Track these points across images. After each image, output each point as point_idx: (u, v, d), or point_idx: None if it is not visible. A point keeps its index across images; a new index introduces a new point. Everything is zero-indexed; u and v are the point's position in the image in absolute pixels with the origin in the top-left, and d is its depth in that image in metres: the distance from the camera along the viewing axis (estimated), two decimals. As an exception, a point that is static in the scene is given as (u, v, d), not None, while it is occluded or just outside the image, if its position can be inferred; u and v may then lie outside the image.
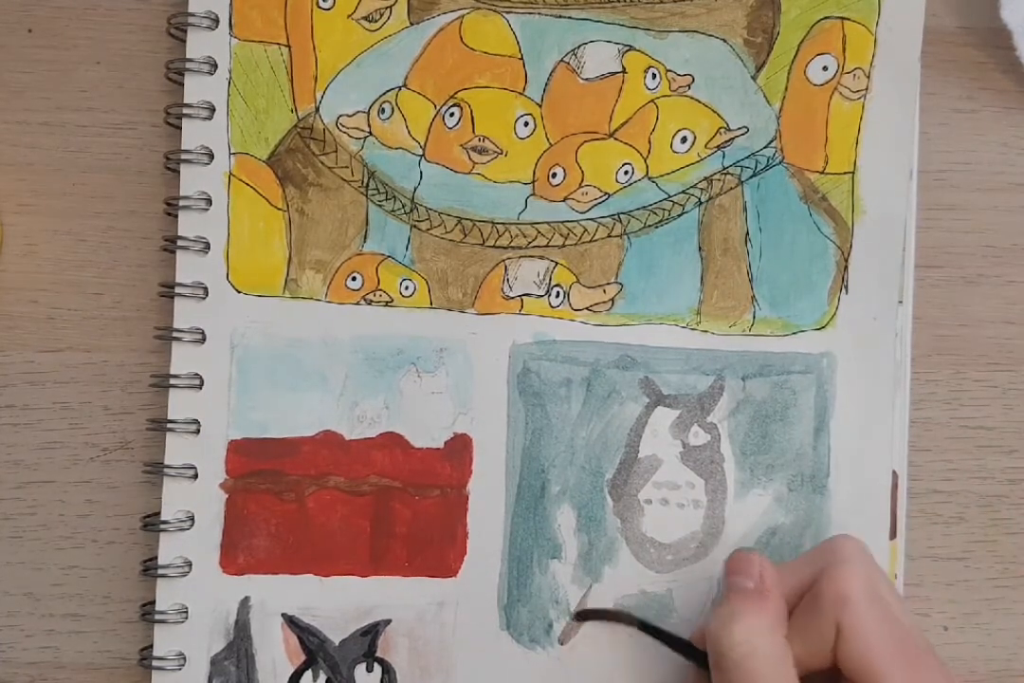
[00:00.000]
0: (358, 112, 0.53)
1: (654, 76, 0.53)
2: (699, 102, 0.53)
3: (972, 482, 0.55)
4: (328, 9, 0.53)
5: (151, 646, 0.52)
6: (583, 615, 0.53)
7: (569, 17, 0.53)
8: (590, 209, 0.53)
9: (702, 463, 0.53)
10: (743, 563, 0.47)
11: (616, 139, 0.53)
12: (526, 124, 0.53)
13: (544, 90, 0.53)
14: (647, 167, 0.53)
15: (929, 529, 0.55)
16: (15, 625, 0.53)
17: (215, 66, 0.52)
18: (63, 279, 0.54)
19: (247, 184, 0.53)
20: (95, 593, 0.53)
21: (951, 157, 0.55)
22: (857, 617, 0.44)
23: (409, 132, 0.53)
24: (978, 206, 0.55)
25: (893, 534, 0.53)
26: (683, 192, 0.53)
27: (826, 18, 0.53)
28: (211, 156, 0.52)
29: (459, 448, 0.53)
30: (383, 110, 0.53)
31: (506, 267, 0.53)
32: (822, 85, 0.53)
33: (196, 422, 0.52)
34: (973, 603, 0.55)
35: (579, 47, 0.53)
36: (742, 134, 0.53)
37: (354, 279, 0.53)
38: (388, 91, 0.53)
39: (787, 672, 0.44)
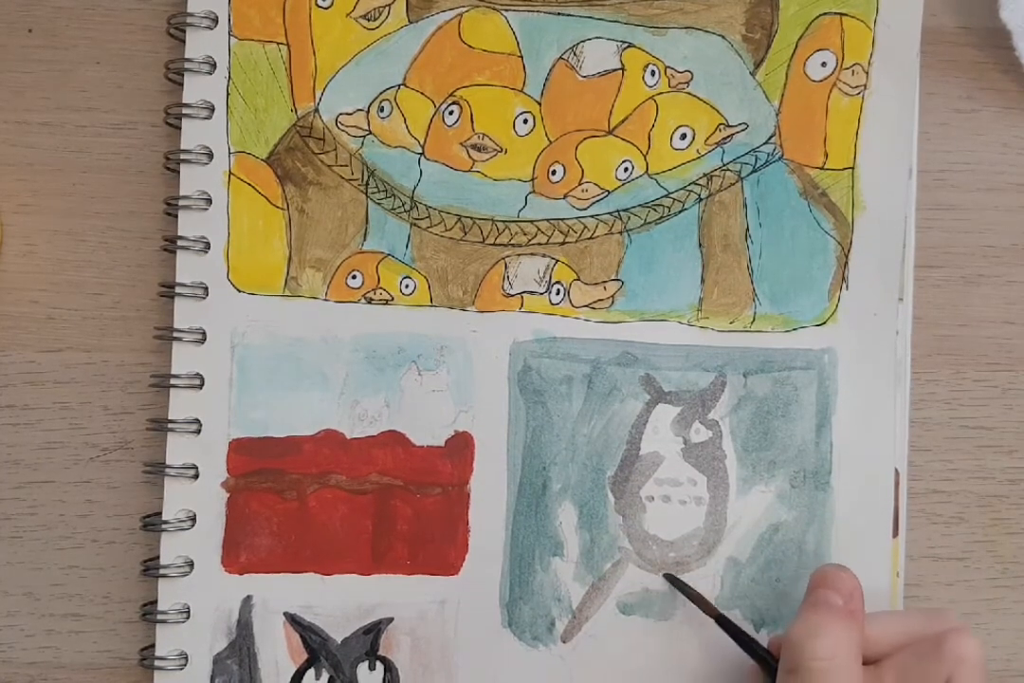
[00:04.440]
0: (357, 110, 0.53)
1: (653, 73, 0.53)
2: (698, 98, 0.53)
3: (972, 482, 0.55)
4: (327, 8, 0.53)
5: (151, 646, 0.52)
6: (672, 579, 0.53)
7: (568, 14, 0.53)
8: (590, 206, 0.53)
9: (704, 460, 0.53)
10: (833, 579, 0.48)
11: (615, 136, 0.53)
12: (525, 121, 0.53)
13: (543, 87, 0.53)
14: (647, 164, 0.53)
15: (929, 529, 0.55)
16: (15, 625, 0.53)
17: (214, 65, 0.52)
18: (63, 279, 0.54)
19: (247, 183, 0.53)
20: (95, 593, 0.53)
21: (951, 157, 0.55)
22: (969, 679, 0.46)
23: (408, 130, 0.53)
24: (978, 206, 0.55)
25: (896, 532, 0.53)
26: (683, 189, 0.53)
27: (824, 14, 0.53)
28: (210, 156, 0.53)
29: (460, 446, 0.53)
30: (382, 108, 0.53)
31: (506, 265, 0.53)
32: (821, 81, 0.53)
33: (197, 421, 0.52)
34: (973, 603, 0.55)
35: (578, 44, 0.53)
36: (741, 130, 0.53)
37: (354, 277, 0.53)
38: (387, 89, 0.53)
39: None
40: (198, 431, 0.52)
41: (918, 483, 0.55)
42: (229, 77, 0.53)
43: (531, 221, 0.53)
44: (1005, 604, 0.55)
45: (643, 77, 0.53)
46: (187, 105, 0.52)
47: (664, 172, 0.53)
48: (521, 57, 0.53)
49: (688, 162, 0.53)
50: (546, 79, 0.53)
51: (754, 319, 0.53)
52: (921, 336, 0.55)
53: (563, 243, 0.53)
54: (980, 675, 0.46)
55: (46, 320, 0.54)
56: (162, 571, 0.52)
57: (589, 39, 0.53)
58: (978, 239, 0.55)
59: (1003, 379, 0.55)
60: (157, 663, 0.52)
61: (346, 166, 0.53)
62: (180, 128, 0.53)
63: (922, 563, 0.55)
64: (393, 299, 0.53)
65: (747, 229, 0.53)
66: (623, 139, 0.53)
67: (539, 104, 0.53)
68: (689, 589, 0.52)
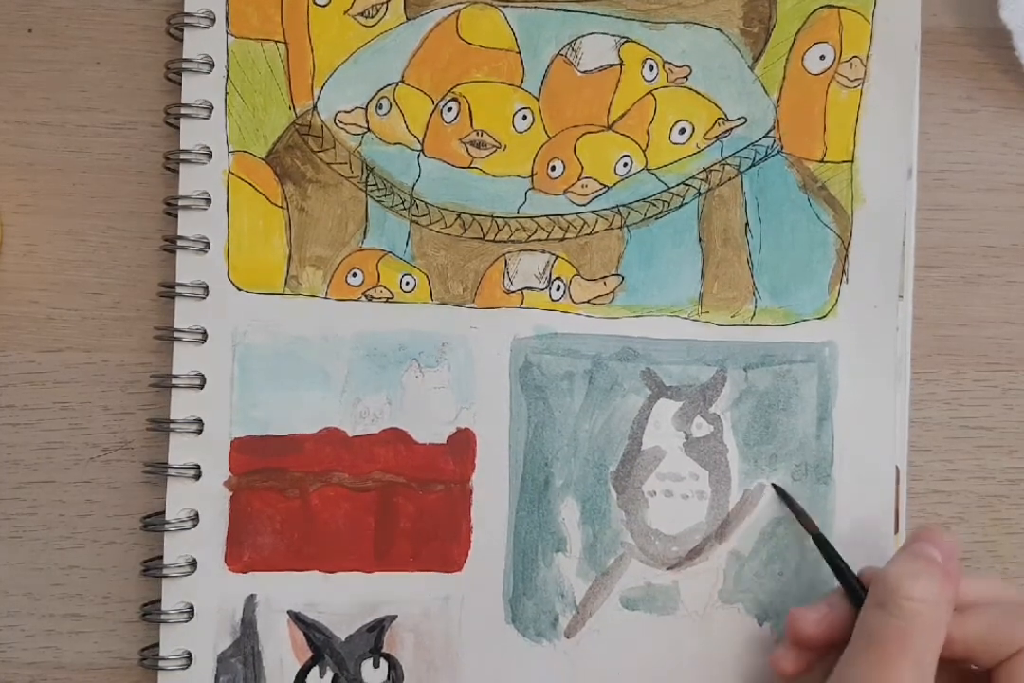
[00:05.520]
0: (356, 108, 0.53)
1: (651, 67, 0.53)
2: (697, 93, 0.53)
3: (972, 482, 0.55)
4: (324, 5, 0.53)
5: (151, 646, 0.52)
6: (778, 490, 0.53)
7: (565, 10, 0.53)
8: (589, 202, 0.53)
9: (705, 454, 0.53)
10: (937, 536, 0.48)
11: (614, 131, 0.53)
12: (524, 117, 0.53)
13: (542, 83, 0.53)
14: (646, 159, 0.53)
15: (929, 529, 0.55)
16: (15, 625, 0.53)
17: (212, 65, 0.53)
18: (63, 279, 0.54)
19: (246, 182, 0.53)
20: (95, 593, 0.53)
21: (951, 157, 0.55)
22: None
23: (407, 127, 0.53)
24: (978, 206, 0.56)
25: (897, 528, 0.53)
26: (682, 183, 0.53)
27: (823, 7, 0.53)
28: (210, 155, 0.52)
29: (462, 443, 0.53)
30: (381, 106, 0.53)
31: (506, 261, 0.53)
32: (820, 74, 0.53)
33: (199, 421, 0.52)
34: (974, 603, 0.55)
35: (576, 40, 0.53)
36: (740, 124, 0.54)
37: (355, 275, 0.53)
38: (385, 86, 0.53)
39: (937, 646, 0.45)
40: (200, 431, 0.52)
41: (918, 483, 0.55)
42: (227, 76, 0.53)
43: (531, 217, 0.53)
44: (1006, 604, 0.55)
45: (641, 72, 0.53)
46: (186, 105, 0.52)
47: (663, 167, 0.53)
48: (519, 53, 0.53)
49: (687, 156, 0.53)
50: (544, 75, 0.53)
51: (754, 313, 0.53)
52: (921, 336, 0.55)
53: (563, 239, 0.53)
54: None
55: (46, 320, 0.54)
56: (165, 571, 0.52)
57: (587, 34, 0.53)
58: (978, 239, 0.56)
59: (1003, 379, 0.55)
60: (161, 663, 0.51)
61: (345, 164, 0.53)
62: (179, 128, 0.53)
63: (923, 563, 0.54)
64: (393, 297, 0.53)
65: (747, 223, 0.53)
66: (622, 134, 0.53)
67: (538, 100, 0.53)
68: (794, 503, 0.52)
